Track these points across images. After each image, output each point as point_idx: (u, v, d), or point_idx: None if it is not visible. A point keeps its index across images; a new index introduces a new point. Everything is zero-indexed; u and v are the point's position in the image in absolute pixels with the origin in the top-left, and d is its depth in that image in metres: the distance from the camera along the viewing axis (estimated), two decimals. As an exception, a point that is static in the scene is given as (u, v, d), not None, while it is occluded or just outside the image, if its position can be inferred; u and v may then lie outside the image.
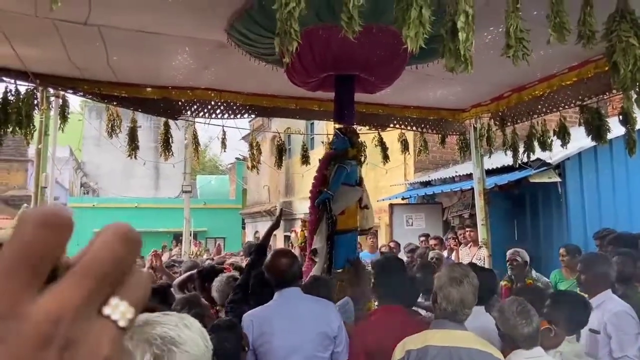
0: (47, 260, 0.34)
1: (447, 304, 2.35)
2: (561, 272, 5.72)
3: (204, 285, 4.14)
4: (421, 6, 1.83)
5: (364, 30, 2.63)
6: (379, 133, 6.39)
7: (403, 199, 10.49)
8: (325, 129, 8.61)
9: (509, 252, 5.27)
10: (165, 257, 13.45)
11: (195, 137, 5.74)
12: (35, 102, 4.38)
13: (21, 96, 4.21)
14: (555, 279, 5.70)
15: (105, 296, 0.34)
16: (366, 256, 7.90)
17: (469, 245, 7.37)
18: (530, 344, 2.49)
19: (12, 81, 4.20)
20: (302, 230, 6.09)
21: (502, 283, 5.37)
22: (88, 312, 0.33)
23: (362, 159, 4.64)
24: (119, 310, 0.35)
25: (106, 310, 0.34)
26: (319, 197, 4.42)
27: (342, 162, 4.45)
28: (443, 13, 2.14)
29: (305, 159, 6.60)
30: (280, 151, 6.20)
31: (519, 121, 5.67)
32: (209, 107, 5.21)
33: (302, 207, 18.08)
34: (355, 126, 4.86)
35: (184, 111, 5.17)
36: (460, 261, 7.26)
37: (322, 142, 7.12)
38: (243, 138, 13.31)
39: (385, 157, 6.48)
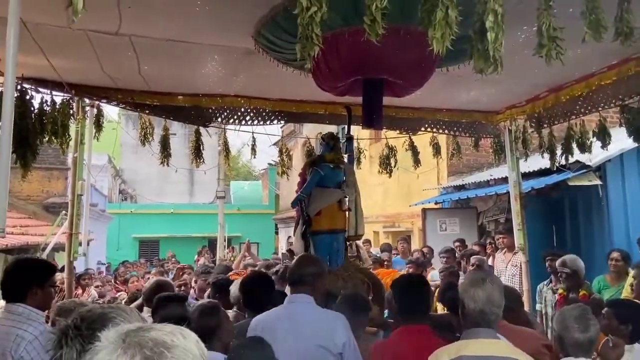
0: None
1: (474, 304, 2.28)
2: (605, 278, 5.47)
3: (215, 296, 4.17)
4: (447, 7, 1.78)
5: (391, 33, 2.58)
6: (409, 137, 6.30)
7: (436, 203, 10.33)
8: (356, 133, 8.56)
9: (557, 265, 5.08)
10: (201, 262, 13.68)
11: (225, 144, 5.79)
12: (71, 111, 4.50)
13: (57, 106, 4.33)
14: (598, 286, 5.45)
15: None
16: (398, 262, 7.82)
17: (504, 251, 7.19)
18: (579, 353, 2.40)
19: (48, 92, 4.33)
20: None
21: (559, 292, 5.21)
22: None
23: (341, 163, 4.81)
24: None
25: None
26: (294, 199, 4.72)
27: (317, 165, 4.70)
28: (472, 13, 2.08)
29: (335, 164, 6.56)
30: (310, 157, 6.18)
31: (556, 122, 5.49)
32: (239, 113, 5.25)
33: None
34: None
35: (214, 118, 5.22)
36: (494, 267, 7.09)
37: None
38: (275, 144, 13.39)
39: (417, 161, 6.38)
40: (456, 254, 7.03)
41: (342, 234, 4.74)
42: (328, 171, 4.67)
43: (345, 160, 4.97)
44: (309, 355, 2.67)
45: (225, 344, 2.63)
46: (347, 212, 4.75)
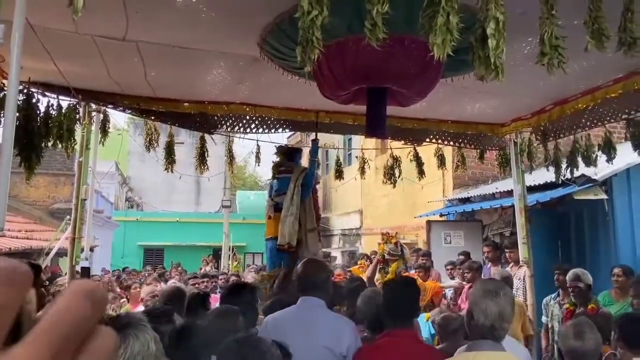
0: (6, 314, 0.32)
1: (485, 319, 2.22)
2: (610, 294, 5.43)
3: None
4: (448, 13, 1.78)
5: (395, 42, 2.58)
6: (414, 148, 6.29)
7: (441, 215, 10.29)
8: (361, 143, 8.58)
9: (569, 279, 5.05)
10: (208, 269, 13.68)
11: (230, 151, 5.80)
12: (77, 116, 4.53)
13: (63, 110, 4.36)
14: (604, 301, 5.40)
15: None
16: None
17: (510, 265, 7.13)
18: None
19: (55, 96, 4.36)
20: (380, 244, 6.28)
21: (565, 306, 5.20)
22: None
23: (284, 172, 5.35)
24: None
25: None
26: None
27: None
28: (474, 22, 2.08)
29: (339, 174, 6.58)
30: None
31: (561, 136, 5.46)
32: (244, 121, 5.26)
33: (340, 223, 17.98)
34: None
35: (219, 125, 5.25)
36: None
37: (356, 157, 7.13)
38: (281, 154, 13.40)
39: (421, 173, 6.36)
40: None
41: (272, 240, 5.15)
42: (272, 182, 5.43)
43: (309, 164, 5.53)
44: (314, 354, 2.75)
45: None
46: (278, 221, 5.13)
